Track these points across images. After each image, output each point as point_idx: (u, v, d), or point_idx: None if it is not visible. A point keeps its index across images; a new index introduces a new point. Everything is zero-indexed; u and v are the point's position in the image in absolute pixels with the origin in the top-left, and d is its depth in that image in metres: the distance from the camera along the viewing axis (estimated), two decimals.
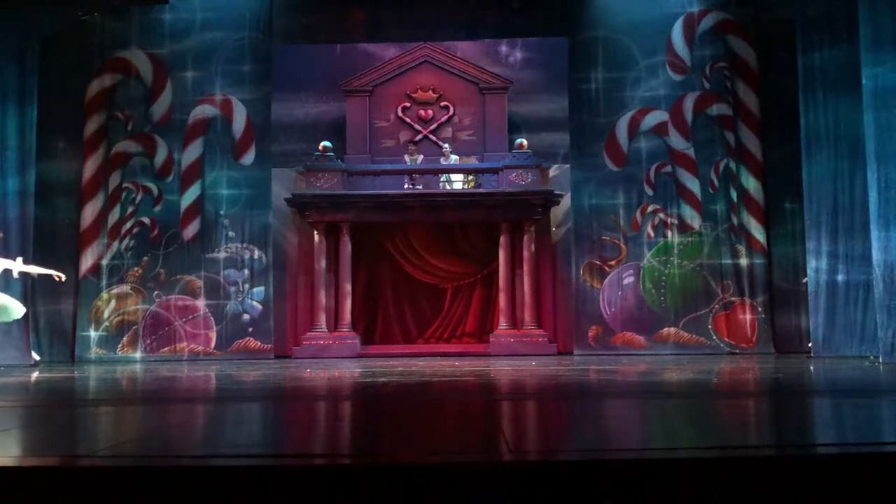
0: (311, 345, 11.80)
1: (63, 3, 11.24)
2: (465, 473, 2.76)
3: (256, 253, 11.66)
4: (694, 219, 11.56)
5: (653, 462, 2.91)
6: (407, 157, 12.42)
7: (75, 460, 3.08)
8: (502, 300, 12.00)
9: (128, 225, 11.69)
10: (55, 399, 6.16)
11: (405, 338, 12.50)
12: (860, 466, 2.70)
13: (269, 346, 11.55)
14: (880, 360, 8.81)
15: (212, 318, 11.43)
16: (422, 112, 12.79)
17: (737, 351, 11.11)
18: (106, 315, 11.52)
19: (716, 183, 11.59)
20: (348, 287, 12.06)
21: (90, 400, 6.15)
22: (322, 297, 11.98)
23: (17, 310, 9.09)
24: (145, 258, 11.58)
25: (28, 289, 10.66)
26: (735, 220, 11.50)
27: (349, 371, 8.63)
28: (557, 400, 5.69)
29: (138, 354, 11.38)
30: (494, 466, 2.86)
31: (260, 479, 2.72)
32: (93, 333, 11.53)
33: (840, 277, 10.22)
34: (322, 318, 11.96)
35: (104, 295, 11.52)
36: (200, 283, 11.48)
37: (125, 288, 11.53)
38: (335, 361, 10.59)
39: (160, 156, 11.80)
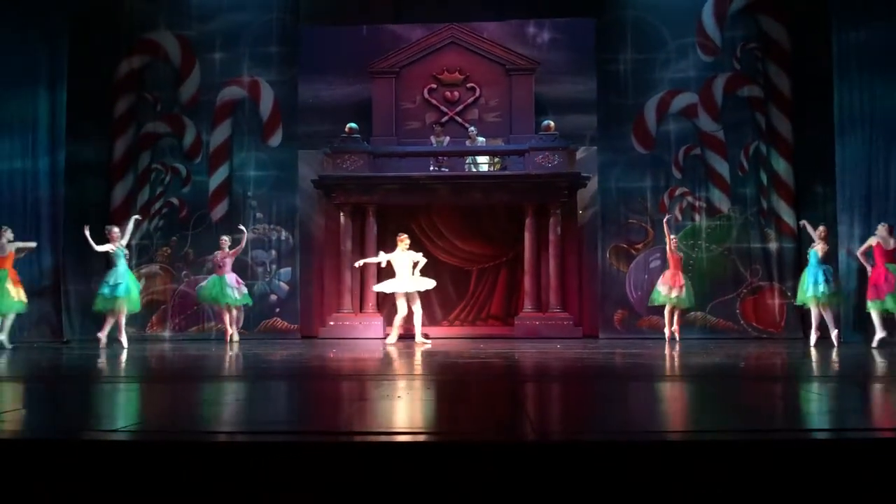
0: (337, 325, 11.87)
1: None
2: (488, 453, 2.76)
3: (283, 234, 11.73)
4: (723, 202, 11.41)
5: (674, 444, 2.89)
6: (433, 139, 12.38)
7: (105, 435, 3.13)
8: (528, 283, 11.97)
9: (157, 205, 11.81)
10: (89, 375, 6.27)
11: (430, 319, 12.49)
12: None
13: (296, 326, 11.63)
14: None
15: None
16: (448, 94, 12.72)
17: (764, 336, 10.99)
18: None
19: (745, 166, 11.42)
20: (374, 269, 12.09)
21: (125, 377, 6.25)
22: (348, 279, 12.03)
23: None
24: (174, 238, 11.69)
25: (59, 267, 10.84)
26: (765, 204, 11.34)
27: (373, 352, 8.68)
28: (582, 382, 5.68)
29: (167, 333, 11.52)
30: (518, 447, 2.87)
31: (286, 455, 2.75)
32: None
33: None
34: (348, 300, 12.02)
35: (133, 274, 11.65)
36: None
37: (154, 268, 11.67)
38: (360, 342, 10.66)
39: (189, 137, 11.88)
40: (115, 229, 10.04)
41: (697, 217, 11.43)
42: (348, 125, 12.12)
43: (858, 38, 10.11)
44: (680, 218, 11.47)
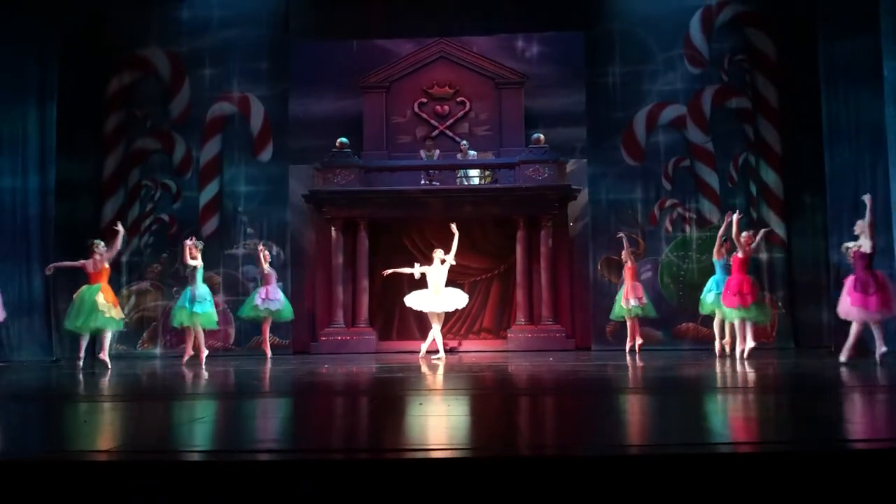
0: (329, 340, 11.83)
1: (81, 1, 11.31)
2: (481, 467, 2.75)
3: (274, 249, 11.68)
4: (713, 213, 11.45)
5: (664, 458, 2.89)
6: (423, 153, 12.40)
7: (99, 455, 3.11)
8: (520, 296, 11.97)
9: (147, 222, 11.77)
10: (86, 394, 6.22)
11: (422, 333, 12.45)
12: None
13: (288, 341, 11.58)
14: None
15: (230, 314, 11.44)
16: (438, 108, 12.76)
17: (756, 346, 10.99)
18: (126, 311, 11.59)
19: (735, 177, 11.48)
20: (366, 283, 12.08)
21: (114, 396, 6.20)
22: (340, 293, 12.01)
23: None
24: (164, 255, 11.64)
25: (49, 286, 10.77)
26: (754, 215, 11.38)
27: (367, 367, 8.65)
28: (574, 396, 5.67)
29: (158, 350, 11.46)
30: (510, 461, 2.86)
31: (282, 473, 2.73)
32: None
33: None
34: (340, 314, 11.99)
35: (124, 291, 11.59)
36: (219, 279, 11.51)
37: (145, 284, 11.62)
38: (353, 357, 10.62)
39: (179, 153, 11.87)
40: (199, 243, 9.86)
41: (688, 228, 11.47)
42: (339, 140, 12.13)
43: (844, 50, 10.20)
44: (670, 229, 11.51)
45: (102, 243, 9.18)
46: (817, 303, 11.00)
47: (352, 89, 12.65)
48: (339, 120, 12.57)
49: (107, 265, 9.06)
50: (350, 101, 12.70)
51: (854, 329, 7.74)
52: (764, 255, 11.32)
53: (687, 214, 11.50)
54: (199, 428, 4.08)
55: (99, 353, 8.90)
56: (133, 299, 11.58)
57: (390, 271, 10.52)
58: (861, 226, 7.88)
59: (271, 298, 10.51)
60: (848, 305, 7.74)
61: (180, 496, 2.66)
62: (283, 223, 11.81)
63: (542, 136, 12.09)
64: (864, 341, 8.12)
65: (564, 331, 11.89)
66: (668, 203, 11.55)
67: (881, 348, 7.58)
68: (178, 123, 11.87)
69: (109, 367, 8.62)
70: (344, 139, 12.15)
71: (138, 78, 11.91)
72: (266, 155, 11.86)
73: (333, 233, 12.12)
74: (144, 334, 11.55)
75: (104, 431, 4.07)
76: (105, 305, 8.82)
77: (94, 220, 11.70)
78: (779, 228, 11.32)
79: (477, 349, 11.71)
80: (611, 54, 11.66)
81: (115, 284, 11.62)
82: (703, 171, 11.53)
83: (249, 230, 11.71)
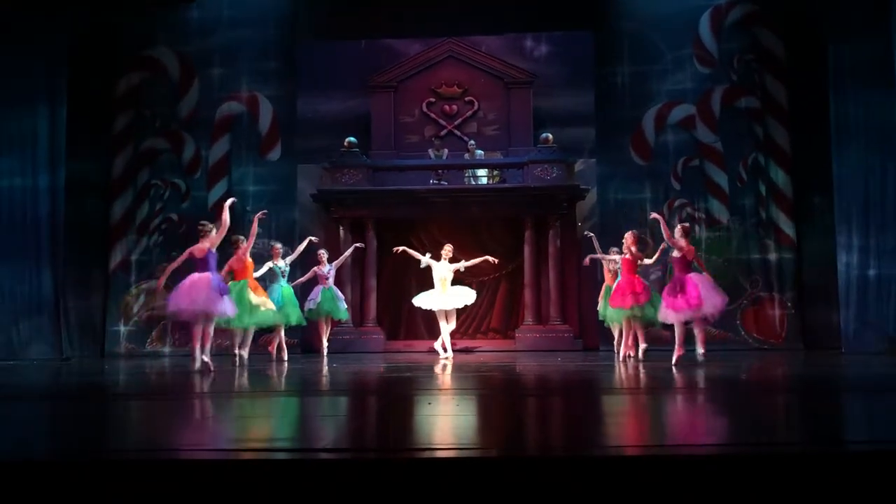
0: (337, 340, 11.83)
1: (90, 2, 11.36)
2: (489, 467, 2.75)
3: (282, 248, 11.69)
4: (722, 213, 11.43)
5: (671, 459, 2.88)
6: (431, 153, 12.39)
7: (108, 454, 3.12)
8: (527, 296, 11.95)
9: (156, 221, 11.82)
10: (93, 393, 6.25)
11: (430, 333, 12.45)
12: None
13: (296, 341, 11.59)
14: None
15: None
16: (447, 107, 12.74)
17: (765, 346, 10.98)
18: (135, 310, 11.65)
19: (744, 177, 11.44)
20: (373, 282, 12.09)
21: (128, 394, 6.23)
22: (348, 293, 11.98)
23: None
24: (173, 254, 11.63)
25: (60, 285, 10.81)
26: (763, 215, 11.36)
27: (375, 366, 8.66)
28: (581, 396, 5.66)
29: (167, 349, 11.50)
30: (519, 461, 2.85)
31: (286, 473, 2.74)
32: (122, 328, 11.67)
33: (871, 272, 10.07)
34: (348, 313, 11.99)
35: (133, 290, 11.65)
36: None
37: (153, 283, 11.64)
38: (361, 356, 10.63)
39: (188, 152, 11.91)
40: (278, 245, 9.99)
41: (697, 228, 11.43)
42: (347, 139, 12.13)
43: (852, 51, 10.16)
44: None
45: (244, 238, 9.15)
46: (827, 303, 10.95)
47: (360, 89, 12.64)
48: (347, 119, 12.55)
49: (248, 260, 9.11)
50: (358, 101, 12.69)
51: (679, 330, 8.18)
52: (773, 256, 11.29)
53: (696, 214, 11.47)
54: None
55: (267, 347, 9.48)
56: (142, 298, 11.62)
57: (402, 249, 10.54)
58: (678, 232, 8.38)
59: (317, 299, 10.53)
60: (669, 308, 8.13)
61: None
62: (291, 222, 11.83)
63: (550, 136, 12.06)
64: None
65: (572, 331, 11.87)
66: (677, 203, 11.52)
67: (700, 349, 8.24)
68: (187, 123, 11.93)
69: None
70: (352, 138, 12.15)
71: (147, 78, 11.96)
72: (274, 154, 11.90)
73: (341, 232, 12.13)
74: (153, 333, 11.60)
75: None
76: (250, 304, 8.91)
77: (103, 220, 11.76)
78: (788, 229, 11.29)
79: (485, 349, 11.70)
80: (620, 54, 11.64)
81: (124, 284, 11.72)
82: (713, 170, 11.50)
83: (258, 229, 11.71)
